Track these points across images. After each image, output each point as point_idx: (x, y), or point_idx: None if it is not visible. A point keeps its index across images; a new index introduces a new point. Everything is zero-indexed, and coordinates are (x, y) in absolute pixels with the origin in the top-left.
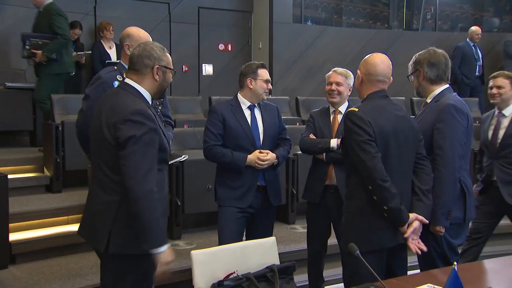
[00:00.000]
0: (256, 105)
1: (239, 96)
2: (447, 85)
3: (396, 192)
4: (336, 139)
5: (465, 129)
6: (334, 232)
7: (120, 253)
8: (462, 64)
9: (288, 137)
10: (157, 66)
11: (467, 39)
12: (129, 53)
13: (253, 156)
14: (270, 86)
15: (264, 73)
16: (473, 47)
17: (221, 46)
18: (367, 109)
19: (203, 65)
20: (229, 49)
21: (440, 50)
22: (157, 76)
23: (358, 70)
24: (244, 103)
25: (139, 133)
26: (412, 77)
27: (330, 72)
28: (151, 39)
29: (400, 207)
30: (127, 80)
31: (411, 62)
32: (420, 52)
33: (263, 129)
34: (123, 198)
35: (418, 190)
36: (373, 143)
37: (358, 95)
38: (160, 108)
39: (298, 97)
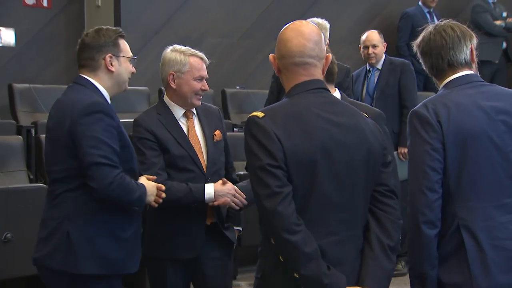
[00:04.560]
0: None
1: (97, 84)
2: (463, 72)
3: (314, 250)
4: (211, 185)
5: (436, 147)
6: None
7: None
8: (413, 40)
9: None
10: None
11: (419, 3)
12: None
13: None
14: (133, 69)
15: (127, 47)
16: (427, 15)
17: None
18: (279, 114)
19: None
20: (44, 4)
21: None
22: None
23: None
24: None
25: None
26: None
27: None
28: None
29: (321, 277)
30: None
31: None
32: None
33: None
34: None
35: (377, 244)
36: (279, 170)
37: None
38: None
39: (163, 87)
